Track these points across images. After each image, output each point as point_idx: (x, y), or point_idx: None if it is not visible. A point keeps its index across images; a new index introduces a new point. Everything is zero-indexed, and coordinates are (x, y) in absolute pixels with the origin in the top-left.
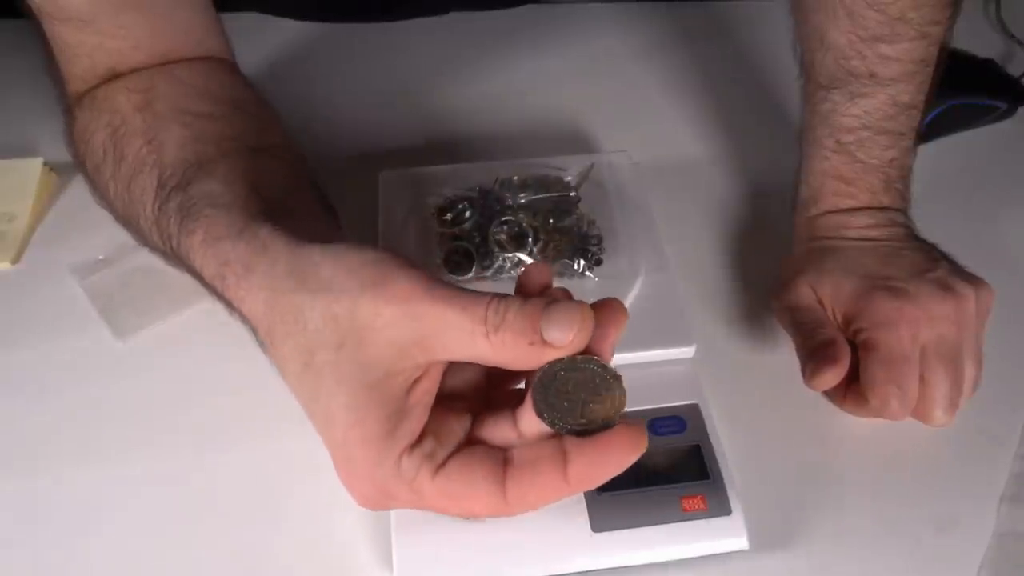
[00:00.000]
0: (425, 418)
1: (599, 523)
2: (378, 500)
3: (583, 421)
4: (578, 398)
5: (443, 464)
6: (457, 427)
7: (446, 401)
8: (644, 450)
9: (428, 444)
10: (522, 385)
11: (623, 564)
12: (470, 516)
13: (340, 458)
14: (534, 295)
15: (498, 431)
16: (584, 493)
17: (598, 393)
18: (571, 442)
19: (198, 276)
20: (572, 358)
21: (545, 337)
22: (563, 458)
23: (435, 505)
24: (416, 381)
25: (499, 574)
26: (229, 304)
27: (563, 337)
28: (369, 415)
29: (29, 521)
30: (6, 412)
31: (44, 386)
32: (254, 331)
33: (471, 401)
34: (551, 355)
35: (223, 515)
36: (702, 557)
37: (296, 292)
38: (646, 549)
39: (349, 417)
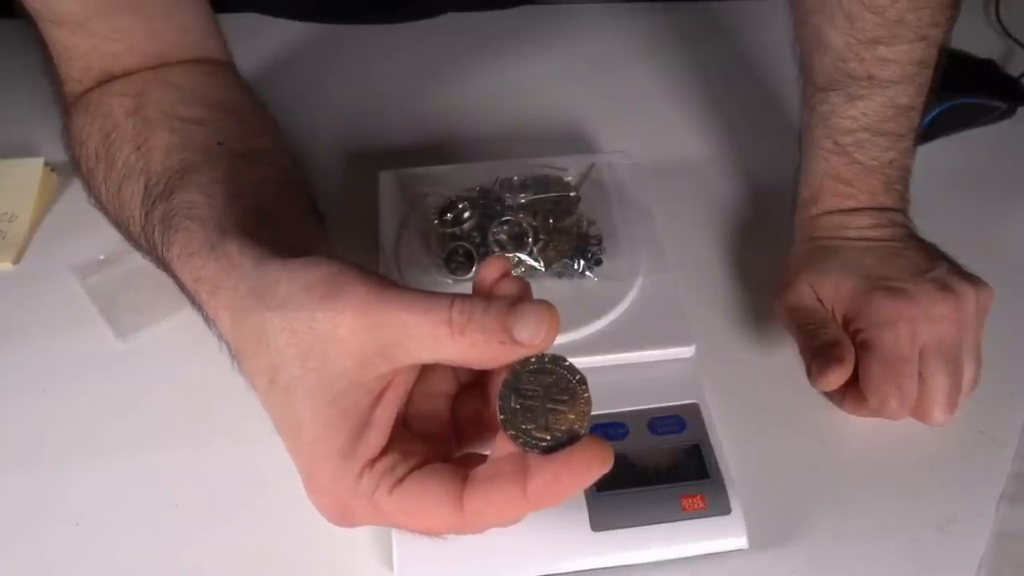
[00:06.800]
0: (388, 433)
1: (599, 522)
2: (341, 515)
3: (547, 438)
4: (543, 407)
5: (401, 480)
6: (421, 445)
7: (412, 423)
8: (609, 467)
9: (389, 459)
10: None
11: (623, 563)
12: (430, 533)
13: (304, 473)
14: (493, 285)
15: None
16: (584, 492)
17: (563, 398)
18: (534, 457)
19: (181, 287)
20: (540, 359)
21: (515, 337)
22: (523, 473)
23: (395, 521)
24: (380, 393)
25: (499, 574)
26: (206, 318)
27: (534, 336)
28: (332, 429)
29: (29, 520)
30: (6, 411)
31: (45, 386)
32: (228, 347)
33: (436, 436)
34: (521, 353)
35: (223, 515)
36: (702, 556)
37: (258, 311)
38: (646, 548)
39: (314, 432)
